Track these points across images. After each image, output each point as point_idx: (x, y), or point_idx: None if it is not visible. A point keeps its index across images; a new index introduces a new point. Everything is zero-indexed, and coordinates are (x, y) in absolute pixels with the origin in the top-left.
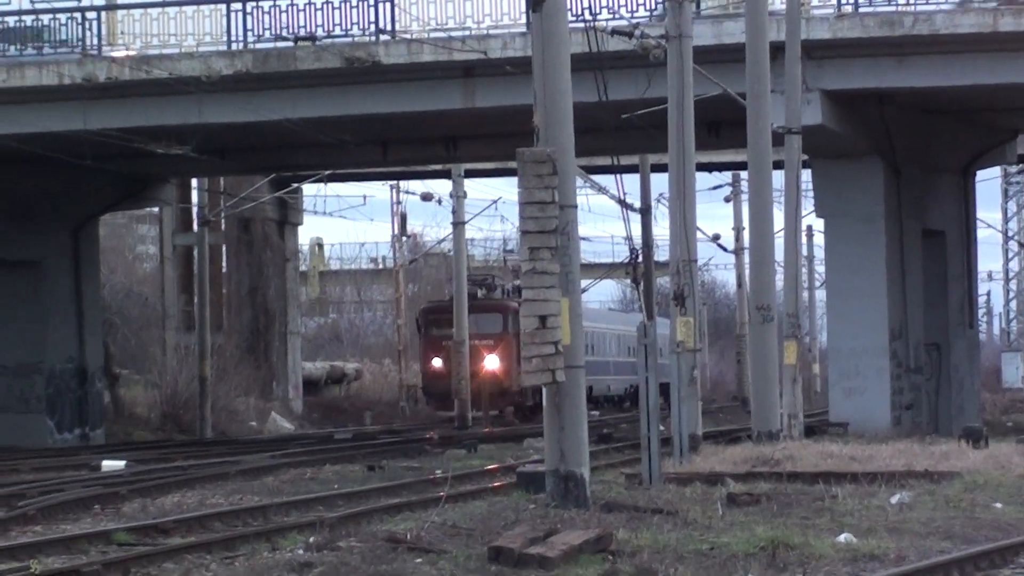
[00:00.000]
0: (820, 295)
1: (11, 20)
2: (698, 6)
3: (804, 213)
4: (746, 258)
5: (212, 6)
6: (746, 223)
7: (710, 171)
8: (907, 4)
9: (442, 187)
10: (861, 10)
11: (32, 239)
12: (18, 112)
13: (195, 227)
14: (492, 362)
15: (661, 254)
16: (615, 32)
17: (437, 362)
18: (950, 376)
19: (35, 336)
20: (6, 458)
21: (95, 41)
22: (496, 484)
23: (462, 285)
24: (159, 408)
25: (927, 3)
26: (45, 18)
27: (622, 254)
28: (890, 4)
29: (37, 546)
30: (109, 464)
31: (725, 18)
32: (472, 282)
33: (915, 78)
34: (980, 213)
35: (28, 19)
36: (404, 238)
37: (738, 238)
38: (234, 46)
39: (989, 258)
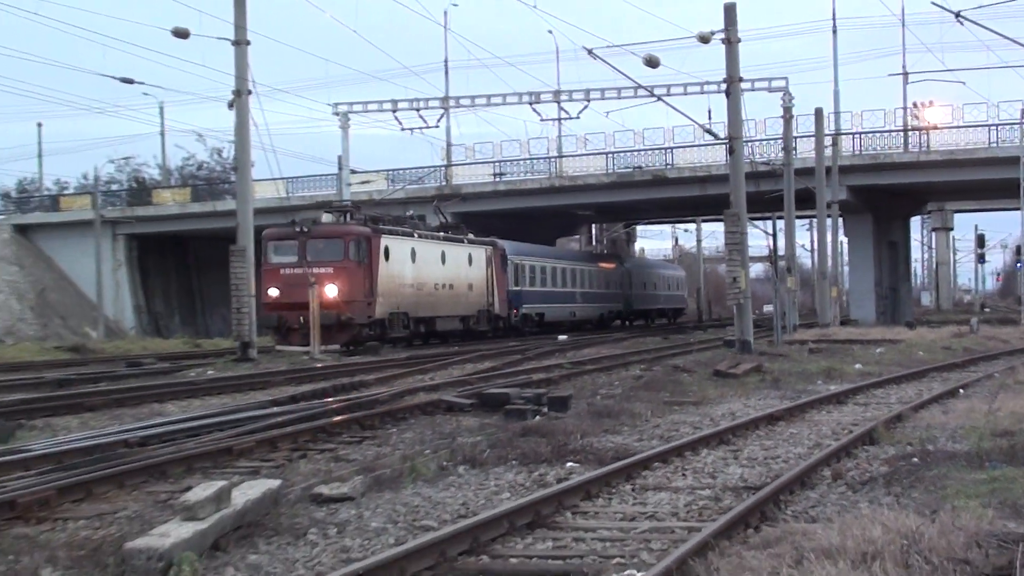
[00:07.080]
0: (847, 268)
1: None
2: (795, 152)
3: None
4: (815, 252)
5: (600, 155)
6: (815, 239)
7: (801, 219)
8: (881, 150)
9: (690, 225)
10: (864, 152)
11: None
12: (522, 198)
13: (593, 244)
14: (331, 291)
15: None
16: (762, 163)
17: (273, 291)
18: (899, 300)
19: None
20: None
21: (556, 167)
22: (715, 345)
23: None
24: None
25: (889, 149)
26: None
27: (765, 251)
28: (874, 149)
29: (533, 370)
30: (561, 338)
31: (807, 157)
32: (328, 209)
33: (884, 180)
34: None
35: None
36: (676, 246)
37: (812, 245)
38: (609, 169)
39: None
